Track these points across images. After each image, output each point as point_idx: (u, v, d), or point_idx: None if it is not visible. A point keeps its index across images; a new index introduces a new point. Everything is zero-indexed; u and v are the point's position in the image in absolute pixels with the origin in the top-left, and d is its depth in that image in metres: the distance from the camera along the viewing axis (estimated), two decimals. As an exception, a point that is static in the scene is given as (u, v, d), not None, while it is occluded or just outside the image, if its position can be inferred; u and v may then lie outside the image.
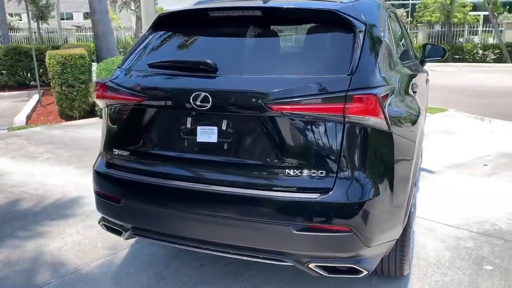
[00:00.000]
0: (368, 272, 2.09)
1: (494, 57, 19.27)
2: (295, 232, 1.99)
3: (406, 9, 31.03)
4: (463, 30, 21.43)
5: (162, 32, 2.50)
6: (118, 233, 2.45)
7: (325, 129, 2.00)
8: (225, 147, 2.12)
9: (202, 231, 2.18)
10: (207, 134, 2.13)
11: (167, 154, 2.25)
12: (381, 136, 2.06)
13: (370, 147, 2.03)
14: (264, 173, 2.07)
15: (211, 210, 2.10)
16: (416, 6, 27.52)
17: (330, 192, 1.98)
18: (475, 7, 25.10)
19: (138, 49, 2.46)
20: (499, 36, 19.75)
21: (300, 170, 2.01)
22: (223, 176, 2.13)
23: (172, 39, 2.52)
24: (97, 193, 2.45)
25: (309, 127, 2.01)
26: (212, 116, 2.12)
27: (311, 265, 2.07)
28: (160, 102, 2.23)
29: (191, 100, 2.08)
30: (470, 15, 23.64)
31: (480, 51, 19.75)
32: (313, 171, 2.00)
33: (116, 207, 2.33)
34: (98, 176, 2.44)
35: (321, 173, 2.00)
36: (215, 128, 2.11)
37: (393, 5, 15.99)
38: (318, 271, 2.08)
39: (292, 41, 2.54)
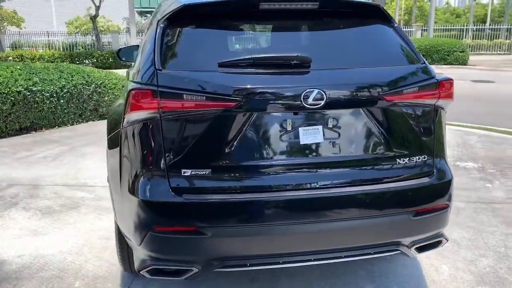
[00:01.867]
0: (447, 241, 2.30)
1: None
2: (413, 218, 2.07)
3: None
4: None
5: (192, 25, 2.18)
6: (176, 274, 2.07)
7: (423, 115, 2.14)
8: (333, 145, 2.03)
9: (316, 240, 2.04)
10: (311, 135, 1.99)
11: (265, 164, 1.99)
12: (444, 118, 2.26)
13: (444, 128, 2.25)
14: (377, 166, 2.08)
15: (326, 215, 1.98)
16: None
17: (434, 174, 2.15)
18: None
19: (169, 46, 2.10)
20: None
21: (408, 158, 2.11)
22: (335, 177, 2.02)
23: (213, 33, 2.21)
24: (160, 230, 1.95)
25: (411, 114, 2.11)
26: (316, 114, 2.00)
27: (413, 248, 2.16)
28: (258, 105, 1.93)
29: (301, 99, 1.92)
30: None
31: None
32: (417, 156, 2.12)
33: (194, 240, 1.94)
34: (163, 207, 1.96)
35: (424, 157, 2.14)
36: (320, 127, 2.01)
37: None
38: (415, 252, 2.19)
39: (344, 34, 2.36)
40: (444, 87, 2.13)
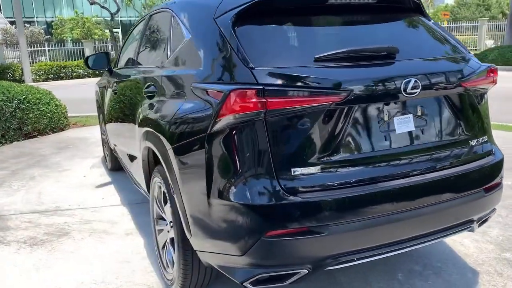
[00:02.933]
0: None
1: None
2: (485, 195, 2.22)
3: (43, 27, 31.77)
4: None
5: (267, 20, 2.12)
6: (280, 280, 1.97)
7: (481, 99, 2.35)
8: (422, 132, 2.12)
9: (413, 226, 2.08)
10: (404, 124, 2.06)
11: (369, 155, 2.01)
12: None
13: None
14: (457, 148, 2.22)
15: (424, 200, 2.04)
16: (53, 23, 29.30)
17: (494, 152, 2.36)
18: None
19: (250, 42, 2.00)
20: None
21: (476, 139, 2.29)
22: (427, 163, 2.11)
23: (291, 28, 2.18)
24: (273, 235, 1.85)
25: (475, 99, 2.30)
26: (407, 103, 2.07)
27: (478, 223, 2.33)
28: (361, 97, 1.93)
29: (401, 88, 1.97)
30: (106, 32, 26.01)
31: None
32: (482, 137, 2.32)
33: (309, 240, 1.87)
34: (276, 210, 1.85)
35: (485, 138, 2.34)
36: (411, 116, 2.08)
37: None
38: (475, 228, 2.33)
39: (402, 27, 2.48)
40: (492, 72, 2.33)
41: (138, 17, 26.46)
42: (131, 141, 3.21)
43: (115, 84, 3.72)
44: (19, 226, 3.60)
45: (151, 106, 2.59)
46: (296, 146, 1.88)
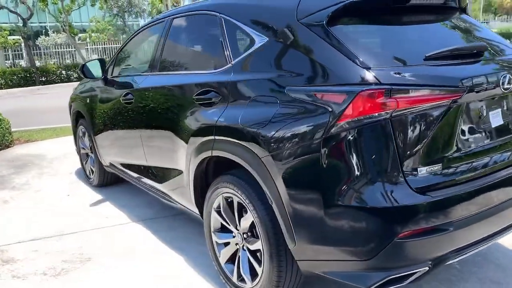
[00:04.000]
0: None
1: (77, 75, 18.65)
2: None
3: None
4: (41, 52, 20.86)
5: (359, 21, 2.16)
6: (399, 280, 1.93)
7: None
8: (508, 125, 2.23)
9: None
10: (496, 118, 2.16)
11: (479, 150, 2.09)
12: None
13: None
14: None
15: None
16: None
17: None
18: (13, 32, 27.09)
19: (352, 43, 1.98)
20: (81, 56, 20.46)
21: None
22: None
23: (381, 28, 2.22)
24: (405, 236, 1.82)
25: None
26: (497, 98, 2.16)
27: None
28: (473, 94, 1.98)
29: (500, 84, 2.05)
30: (10, 39, 25.98)
31: (64, 72, 19.12)
32: None
33: (437, 238, 1.87)
34: (409, 211, 1.82)
35: None
36: (499, 110, 2.18)
37: None
38: None
39: (463, 26, 2.55)
40: None
41: (55, 23, 24.51)
42: (165, 153, 3.00)
43: (127, 93, 3.43)
44: (28, 257, 3.19)
45: (215, 114, 2.44)
46: (420, 145, 1.89)
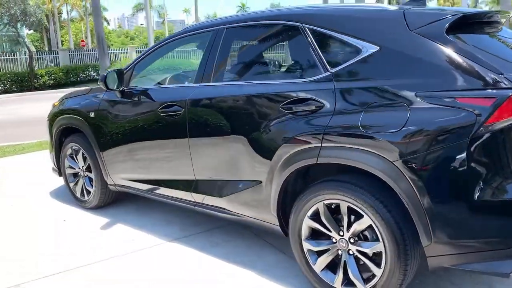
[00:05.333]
0: None
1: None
2: None
3: None
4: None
5: (468, 31, 2.35)
6: None
7: None
8: None
9: None
10: None
11: None
12: None
13: None
14: None
15: None
16: None
17: None
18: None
19: (475, 52, 2.18)
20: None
21: None
22: None
23: (485, 38, 2.46)
24: None
25: None
26: None
27: None
28: None
29: None
30: None
31: None
32: None
33: None
34: None
35: None
36: None
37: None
38: None
39: None
40: None
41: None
42: (233, 165, 2.92)
43: (170, 104, 3.21)
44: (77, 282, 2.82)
45: (319, 122, 2.43)
46: None
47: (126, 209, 4.23)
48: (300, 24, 2.67)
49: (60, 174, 4.52)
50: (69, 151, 4.30)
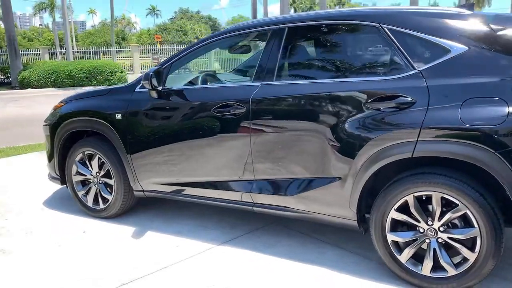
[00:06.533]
0: None
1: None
2: None
3: None
4: None
5: None
6: None
7: None
8: None
9: None
10: None
11: None
12: None
13: None
14: None
15: None
16: None
17: None
18: None
19: None
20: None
21: None
22: None
23: None
24: None
25: None
26: None
27: None
28: None
29: None
30: None
31: None
32: None
33: None
34: None
35: None
36: None
37: None
38: None
39: None
40: None
41: None
42: (307, 163, 2.94)
43: (229, 104, 3.13)
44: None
45: (413, 117, 2.55)
46: None
47: (145, 216, 4.01)
48: (377, 24, 2.79)
49: (63, 183, 4.15)
50: (78, 157, 3.96)
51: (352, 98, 2.79)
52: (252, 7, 24.73)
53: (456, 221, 2.62)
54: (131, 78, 20.68)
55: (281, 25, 3.13)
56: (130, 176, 3.70)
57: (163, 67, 3.47)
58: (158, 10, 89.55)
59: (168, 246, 3.38)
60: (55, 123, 4.05)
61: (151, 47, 31.56)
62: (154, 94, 3.44)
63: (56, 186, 4.58)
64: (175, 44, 35.43)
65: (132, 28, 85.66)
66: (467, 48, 2.57)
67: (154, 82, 3.31)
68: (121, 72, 19.97)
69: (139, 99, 3.57)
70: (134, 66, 27.48)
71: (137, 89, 3.62)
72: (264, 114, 3.06)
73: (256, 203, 3.23)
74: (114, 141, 3.68)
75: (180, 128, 3.40)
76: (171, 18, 73.23)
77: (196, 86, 3.59)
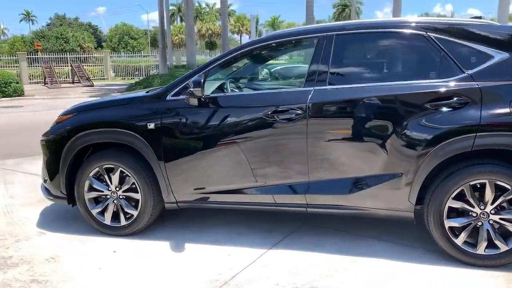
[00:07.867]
0: None
1: None
2: None
3: None
4: None
5: None
6: None
7: None
8: None
9: None
10: None
11: None
12: None
13: None
14: None
15: None
16: None
17: None
18: None
19: None
20: None
21: None
22: None
23: None
24: None
25: None
26: None
27: None
28: None
29: None
30: None
31: None
32: None
33: None
34: None
35: None
36: None
37: None
38: None
39: None
40: None
41: None
42: (369, 162, 3.16)
43: (283, 110, 3.19)
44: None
45: (471, 115, 2.91)
46: None
47: (172, 227, 3.86)
48: (424, 32, 3.11)
49: (70, 202, 3.78)
50: (93, 172, 3.66)
51: (411, 100, 3.06)
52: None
53: (504, 204, 3.02)
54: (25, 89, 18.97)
55: (328, 33, 3.30)
56: (162, 188, 3.54)
57: (202, 73, 3.40)
58: (34, 16, 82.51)
59: (219, 256, 3.32)
60: (62, 137, 3.68)
61: (41, 56, 28.97)
62: (194, 101, 3.36)
63: (40, 207, 4.18)
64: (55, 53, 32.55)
65: (1, 35, 77.86)
66: (508, 55, 3.00)
67: (203, 89, 3.25)
68: (17, 82, 18.15)
69: (174, 107, 3.45)
70: (22, 75, 25.11)
71: (169, 97, 3.49)
72: (322, 117, 3.19)
73: (309, 204, 3.33)
74: (146, 152, 3.48)
75: (226, 135, 3.36)
76: (48, 25, 67.93)
77: (244, 93, 3.61)
